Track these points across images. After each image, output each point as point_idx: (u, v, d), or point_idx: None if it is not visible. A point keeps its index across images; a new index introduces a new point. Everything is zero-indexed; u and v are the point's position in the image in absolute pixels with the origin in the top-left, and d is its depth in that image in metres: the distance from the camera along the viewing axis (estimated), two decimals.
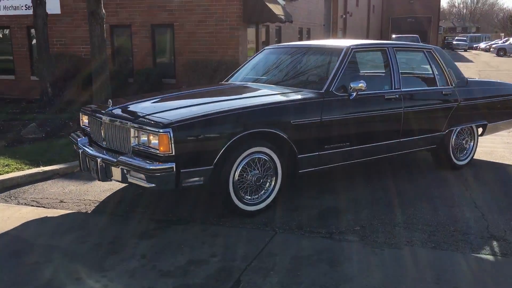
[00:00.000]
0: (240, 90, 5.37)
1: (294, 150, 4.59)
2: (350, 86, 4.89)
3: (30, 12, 12.42)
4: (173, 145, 3.91)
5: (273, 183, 4.57)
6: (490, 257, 3.69)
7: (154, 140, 3.97)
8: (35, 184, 5.54)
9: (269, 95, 4.86)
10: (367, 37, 35.10)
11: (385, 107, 5.26)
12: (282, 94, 4.89)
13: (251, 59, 6.22)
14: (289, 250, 3.82)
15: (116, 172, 4.20)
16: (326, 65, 5.26)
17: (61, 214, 4.67)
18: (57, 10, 14.86)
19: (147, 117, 4.16)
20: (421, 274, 3.42)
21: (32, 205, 4.91)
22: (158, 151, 3.95)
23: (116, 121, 4.33)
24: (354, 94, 4.92)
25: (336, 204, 4.84)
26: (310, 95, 4.85)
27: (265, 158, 4.46)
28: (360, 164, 5.40)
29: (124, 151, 4.30)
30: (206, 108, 4.35)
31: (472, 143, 6.35)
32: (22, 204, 4.95)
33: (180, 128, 3.96)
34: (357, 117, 5.02)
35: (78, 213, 4.70)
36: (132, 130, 4.16)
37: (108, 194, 5.17)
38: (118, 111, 4.45)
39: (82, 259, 3.68)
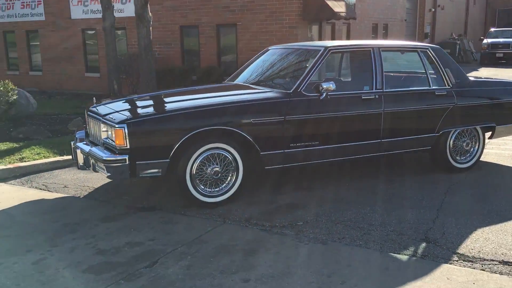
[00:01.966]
0: (215, 90, 5.74)
1: (256, 148, 4.87)
2: (321, 87, 5.05)
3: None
4: (127, 139, 4.39)
5: (234, 178, 4.89)
6: (404, 257, 3.74)
7: (113, 135, 4.48)
8: (53, 171, 6.33)
9: (235, 95, 5.19)
10: (465, 31, 33.21)
11: (361, 108, 5.32)
12: (249, 94, 5.18)
13: (253, 59, 6.53)
14: (220, 239, 4.14)
15: (89, 162, 4.78)
16: (304, 65, 5.44)
17: (57, 197, 5.36)
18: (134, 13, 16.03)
19: (112, 114, 4.68)
20: (323, 267, 3.58)
21: (40, 189, 5.66)
22: (115, 144, 4.46)
23: (94, 117, 4.91)
24: (324, 94, 5.06)
25: (297, 200, 5.04)
26: (275, 95, 5.10)
27: (225, 154, 4.79)
28: (338, 163, 5.53)
29: (99, 144, 4.87)
30: (166, 107, 4.79)
31: (477, 146, 6.14)
32: (33, 187, 5.72)
33: (134, 124, 4.44)
34: (327, 117, 5.16)
35: (72, 197, 5.36)
36: (101, 126, 4.71)
37: (106, 182, 5.78)
38: (97, 109, 5.03)
39: (43, 235, 4.29)
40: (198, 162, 4.69)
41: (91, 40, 17.28)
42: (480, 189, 5.41)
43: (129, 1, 15.87)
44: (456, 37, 26.51)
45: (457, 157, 6.02)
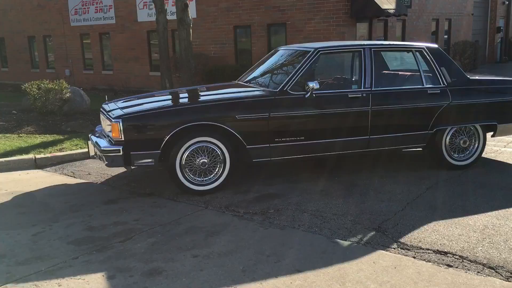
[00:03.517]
0: (216, 88, 6.27)
1: (242, 142, 5.34)
2: (307, 85, 5.43)
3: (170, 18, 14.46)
4: (122, 132, 5.04)
5: (221, 169, 5.39)
6: (346, 243, 4.07)
7: (111, 128, 5.15)
8: (84, 160, 7.15)
9: (227, 93, 5.69)
10: None
11: (346, 106, 5.62)
12: (239, 92, 5.67)
13: (264, 58, 6.98)
14: (194, 222, 4.67)
15: (96, 152, 5.49)
16: (295, 65, 5.82)
17: (78, 182, 6.15)
18: (194, 15, 16.92)
19: (114, 110, 5.36)
20: (267, 248, 4.00)
21: (68, 175, 6.49)
22: (112, 137, 5.12)
23: (103, 113, 5.62)
24: (309, 93, 5.44)
25: (280, 191, 5.45)
26: (261, 93, 5.55)
27: (213, 147, 5.31)
28: (326, 157, 5.87)
29: (107, 137, 5.57)
30: (161, 104, 5.39)
31: (476, 144, 6.21)
32: (62, 174, 6.56)
33: (129, 119, 5.09)
34: (312, 114, 5.52)
35: (90, 183, 6.12)
36: (106, 120, 5.40)
37: (124, 171, 6.49)
38: (107, 105, 5.74)
39: (50, 213, 5.03)
40: (187, 153, 5.24)
41: (155, 41, 18.40)
42: (466, 186, 5.53)
43: (189, 3, 16.77)
44: None
45: (454, 155, 6.13)
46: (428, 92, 5.89)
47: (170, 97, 5.89)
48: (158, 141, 5.13)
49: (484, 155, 6.88)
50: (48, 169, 6.82)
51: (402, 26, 16.93)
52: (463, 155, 6.18)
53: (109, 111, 5.42)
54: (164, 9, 13.14)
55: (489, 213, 4.62)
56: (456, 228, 4.29)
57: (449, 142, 6.07)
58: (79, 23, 20.38)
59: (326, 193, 5.34)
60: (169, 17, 13.03)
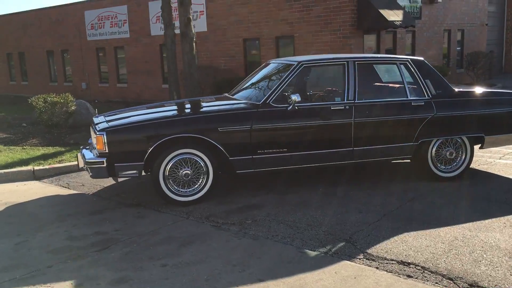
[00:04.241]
0: (203, 101, 6.41)
1: (224, 153, 5.46)
2: (289, 98, 5.53)
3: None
4: (106, 144, 5.21)
5: (204, 180, 5.51)
6: (313, 254, 4.13)
7: (96, 141, 5.33)
8: (81, 172, 7.32)
9: (211, 106, 5.82)
10: None
11: (329, 118, 5.70)
12: (223, 105, 5.79)
13: (255, 71, 7.11)
14: (172, 232, 4.78)
15: (83, 163, 5.67)
16: (279, 78, 5.92)
17: (70, 193, 6.33)
18: (204, 28, 17.22)
19: (100, 123, 5.53)
20: (236, 258, 4.08)
21: (62, 186, 6.69)
22: (97, 149, 5.29)
23: (92, 126, 5.81)
24: (291, 105, 5.53)
25: (262, 202, 5.53)
26: (244, 106, 5.66)
27: (196, 158, 5.43)
28: (310, 169, 5.94)
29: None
30: (144, 117, 5.55)
31: (463, 156, 6.20)
32: (57, 185, 6.76)
33: (112, 132, 5.25)
34: (294, 126, 5.61)
35: (82, 194, 6.30)
36: (93, 133, 5.58)
37: (117, 183, 6.64)
38: (96, 119, 5.92)
39: (37, 223, 5.20)
40: (170, 165, 5.37)
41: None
42: (449, 197, 5.53)
43: (199, 17, 17.10)
44: None
45: (441, 166, 6.14)
46: (412, 104, 5.93)
47: (156, 110, 6.06)
48: (141, 153, 5.28)
49: (477, 166, 6.89)
50: (45, 180, 7.04)
51: (412, 37, 16.91)
52: (450, 166, 6.18)
53: (96, 124, 5.60)
54: (172, 23, 13.40)
55: (463, 225, 4.62)
56: (426, 239, 4.32)
57: (435, 153, 6.09)
58: (95, 38, 20.87)
59: (306, 204, 5.40)
60: (177, 31, 13.29)
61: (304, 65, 5.84)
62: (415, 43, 16.98)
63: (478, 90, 6.35)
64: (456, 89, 6.17)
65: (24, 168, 7.29)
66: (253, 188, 6.09)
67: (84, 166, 5.56)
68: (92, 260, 4.20)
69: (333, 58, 6.17)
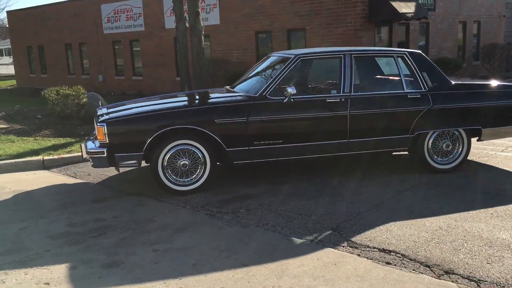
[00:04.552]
0: (202, 94, 6.55)
1: (221, 145, 5.61)
2: (285, 91, 5.66)
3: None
4: (106, 135, 5.41)
5: (202, 170, 5.68)
6: (299, 241, 4.26)
7: (97, 131, 5.53)
8: (87, 162, 7.56)
9: (210, 98, 5.96)
10: None
11: (325, 110, 5.80)
12: (221, 97, 5.93)
13: (257, 64, 7.23)
14: (167, 219, 4.97)
15: (86, 153, 5.89)
16: (276, 71, 6.04)
17: (76, 182, 6.56)
18: (217, 21, 17.37)
19: (102, 115, 5.73)
20: (224, 244, 4.24)
21: (69, 175, 6.93)
22: (98, 139, 5.50)
23: (95, 117, 6.02)
24: (287, 98, 5.66)
25: (257, 192, 5.68)
26: (241, 98, 5.80)
27: (193, 149, 5.60)
28: (308, 160, 6.06)
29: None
30: (144, 109, 5.73)
31: (460, 148, 6.26)
32: (65, 174, 7.00)
33: (112, 123, 5.45)
34: (290, 118, 5.73)
35: (87, 183, 6.52)
36: (95, 124, 5.78)
37: (122, 172, 6.84)
38: (99, 110, 6.13)
39: (41, 210, 5.43)
40: (169, 155, 5.55)
41: None
42: (442, 189, 5.61)
43: (213, 11, 17.25)
44: None
45: (438, 158, 6.20)
46: (408, 96, 5.99)
47: (157, 102, 6.24)
48: (140, 143, 5.46)
49: (477, 159, 6.93)
50: (54, 169, 7.29)
51: (425, 30, 16.80)
52: (446, 158, 6.24)
53: (99, 115, 5.80)
54: (184, 17, 13.55)
55: (450, 215, 4.71)
56: (410, 228, 4.42)
57: (431, 145, 6.15)
58: (112, 31, 21.18)
59: (301, 194, 5.53)
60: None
61: (301, 58, 5.95)
62: (429, 35, 16.88)
63: (476, 82, 6.38)
64: (454, 82, 6.21)
65: (34, 158, 7.56)
66: (251, 178, 6.24)
67: (87, 156, 5.77)
68: (88, 245, 4.40)
69: (330, 51, 6.26)
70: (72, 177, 6.84)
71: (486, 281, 3.46)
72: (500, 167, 6.50)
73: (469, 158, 6.88)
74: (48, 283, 3.69)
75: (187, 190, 5.67)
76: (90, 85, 21.43)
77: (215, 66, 16.07)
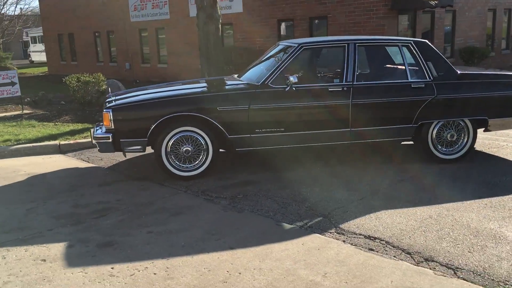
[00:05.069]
0: (207, 82, 6.67)
1: (223, 132, 5.74)
2: (288, 79, 5.73)
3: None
4: (112, 121, 5.60)
5: (205, 157, 5.82)
6: (288, 226, 4.37)
7: (103, 117, 5.73)
8: None
9: (213, 86, 6.11)
10: None
11: (326, 99, 5.85)
12: (224, 85, 6.05)
13: (266, 52, 7.31)
14: (167, 203, 5.14)
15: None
16: (280, 60, 6.11)
17: (88, 166, 6.81)
18: (240, 9, 17.44)
19: (110, 102, 5.92)
20: (216, 228, 4.38)
21: (82, 159, 7.18)
22: (104, 125, 5.70)
23: (104, 104, 6.22)
24: (289, 86, 5.73)
25: (257, 179, 5.79)
26: (244, 86, 5.91)
27: (196, 136, 5.74)
28: (311, 148, 6.13)
29: None
30: (149, 96, 5.90)
31: (466, 138, 6.22)
32: (78, 158, 7.26)
33: (118, 109, 5.64)
34: (291, 106, 5.81)
35: (98, 167, 6.76)
36: (104, 111, 5.99)
37: (133, 157, 7.07)
38: (109, 97, 6.33)
39: (50, 192, 5.67)
40: (172, 141, 5.71)
41: None
42: (442, 178, 5.61)
43: None
44: None
45: (442, 148, 6.18)
46: (412, 86, 5.98)
47: (163, 89, 6.40)
48: (144, 129, 5.64)
49: (486, 150, 6.88)
50: (69, 154, 7.56)
51: (452, 17, 16.50)
52: (451, 149, 6.22)
53: (107, 102, 6.00)
54: (204, 5, 13.70)
55: (443, 205, 4.73)
56: (400, 217, 4.47)
57: (435, 135, 6.13)
58: (138, 19, 21.49)
59: (299, 182, 5.62)
60: None
61: (304, 47, 6.00)
62: (455, 23, 16.56)
63: (483, 72, 6.31)
64: (460, 72, 6.15)
65: (51, 142, 7.85)
66: (253, 165, 6.35)
67: (94, 141, 5.98)
68: (88, 225, 4.61)
69: (334, 40, 6.29)
70: (85, 161, 7.09)
71: (463, 269, 3.50)
72: (508, 158, 6.43)
73: (478, 148, 6.86)
74: (44, 260, 3.90)
75: (189, 175, 5.82)
76: (118, 73, 21.86)
77: (238, 54, 16.17)
